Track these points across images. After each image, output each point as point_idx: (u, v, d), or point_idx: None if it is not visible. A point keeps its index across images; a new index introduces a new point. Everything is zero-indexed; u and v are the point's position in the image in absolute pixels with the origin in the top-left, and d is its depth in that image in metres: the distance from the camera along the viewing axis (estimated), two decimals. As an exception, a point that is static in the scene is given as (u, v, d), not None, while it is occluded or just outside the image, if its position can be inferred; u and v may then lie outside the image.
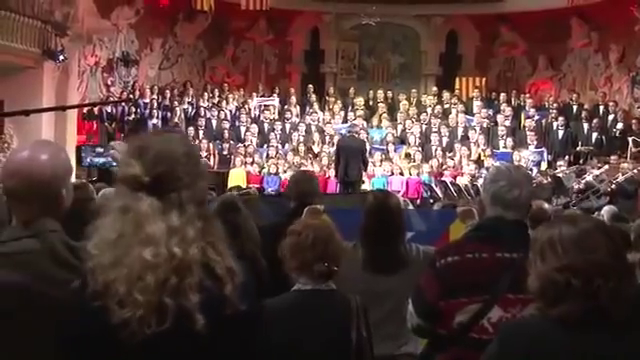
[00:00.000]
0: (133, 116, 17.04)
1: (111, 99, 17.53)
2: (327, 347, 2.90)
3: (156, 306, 1.76)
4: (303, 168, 14.97)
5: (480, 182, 12.63)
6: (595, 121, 16.67)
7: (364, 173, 14.51)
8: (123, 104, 17.15)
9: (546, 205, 5.20)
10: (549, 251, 2.01)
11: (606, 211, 7.47)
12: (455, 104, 18.33)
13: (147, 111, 17.54)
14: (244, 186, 14.17)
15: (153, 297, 1.76)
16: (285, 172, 15.57)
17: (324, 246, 3.01)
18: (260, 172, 15.94)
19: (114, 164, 2.33)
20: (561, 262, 1.96)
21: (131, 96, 17.57)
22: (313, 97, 19.23)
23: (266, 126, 17.87)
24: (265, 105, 18.68)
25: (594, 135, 16.57)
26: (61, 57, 15.26)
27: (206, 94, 18.85)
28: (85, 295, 1.80)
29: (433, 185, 14.88)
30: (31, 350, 1.98)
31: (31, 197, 2.04)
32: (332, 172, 15.47)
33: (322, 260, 2.98)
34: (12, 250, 2.01)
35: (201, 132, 17.16)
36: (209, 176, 14.98)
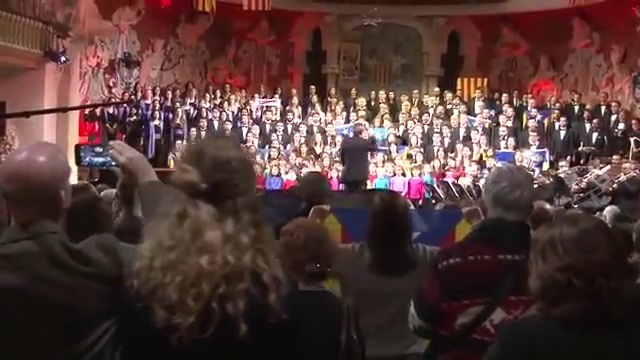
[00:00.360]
0: (134, 117, 17.03)
1: (113, 100, 17.53)
2: (316, 348, 2.89)
3: (204, 312, 1.78)
4: (305, 169, 14.98)
5: (482, 183, 12.60)
6: (595, 121, 16.65)
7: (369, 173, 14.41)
8: (125, 105, 17.15)
9: (548, 206, 5.19)
10: (550, 251, 2.01)
11: (608, 211, 7.46)
12: (457, 105, 18.31)
13: (149, 112, 17.55)
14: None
15: (204, 304, 1.78)
16: (287, 173, 15.57)
17: (316, 247, 3.00)
18: (262, 173, 15.93)
19: (113, 164, 2.33)
20: (562, 262, 1.97)
21: (132, 97, 17.56)
22: (315, 98, 19.22)
23: (268, 127, 17.86)
24: (267, 106, 18.67)
25: (595, 135, 16.55)
26: (63, 58, 15.29)
27: (208, 95, 18.85)
28: (130, 295, 1.83)
29: (435, 186, 14.87)
30: (30, 352, 1.98)
31: (29, 199, 2.04)
32: (334, 173, 15.47)
33: (314, 260, 2.98)
34: (10, 252, 2.01)
35: (203, 133, 17.12)
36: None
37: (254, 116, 18.35)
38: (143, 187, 2.27)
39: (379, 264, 3.59)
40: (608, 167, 13.93)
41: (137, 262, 1.85)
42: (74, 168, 2.31)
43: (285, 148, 16.81)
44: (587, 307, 1.91)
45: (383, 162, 15.68)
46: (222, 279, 1.80)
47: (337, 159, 15.83)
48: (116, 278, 1.98)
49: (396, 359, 3.44)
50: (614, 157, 14.75)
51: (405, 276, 3.49)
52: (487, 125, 17.22)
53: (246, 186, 1.90)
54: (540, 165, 15.82)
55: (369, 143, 13.91)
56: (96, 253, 2.05)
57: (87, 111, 16.70)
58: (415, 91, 19.63)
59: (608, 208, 7.86)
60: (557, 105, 18.06)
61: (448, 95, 18.90)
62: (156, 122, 17.39)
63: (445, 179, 15.12)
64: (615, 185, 12.86)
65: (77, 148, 2.42)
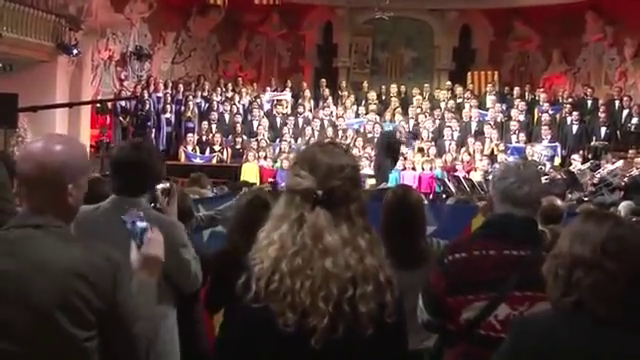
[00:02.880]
0: (140, 112, 17.03)
1: (123, 94, 17.59)
2: None
3: (335, 314, 1.87)
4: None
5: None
6: (603, 115, 16.55)
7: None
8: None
9: (559, 201, 5.14)
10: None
11: (623, 206, 7.42)
12: (468, 99, 18.26)
13: (160, 105, 17.59)
14: (257, 180, 14.24)
15: (334, 306, 1.87)
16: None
17: None
18: (273, 166, 15.94)
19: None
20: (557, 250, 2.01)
21: (145, 92, 17.59)
22: (326, 91, 19.21)
23: (279, 120, 17.88)
24: (278, 99, 18.69)
25: (606, 130, 16.44)
26: (75, 51, 15.35)
27: (219, 88, 18.88)
28: (248, 298, 1.91)
29: (446, 180, 14.83)
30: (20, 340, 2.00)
31: (39, 182, 2.06)
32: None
33: None
34: (13, 237, 2.06)
35: (214, 126, 17.19)
36: (222, 170, 15.11)
37: (265, 109, 18.36)
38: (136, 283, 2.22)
39: (393, 258, 3.57)
40: (621, 162, 13.84)
41: (257, 265, 1.93)
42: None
43: (296, 142, 16.81)
44: (573, 299, 1.93)
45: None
46: (349, 281, 1.89)
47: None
48: (107, 287, 2.00)
49: (409, 353, 3.44)
50: (630, 152, 14.64)
51: (419, 270, 3.48)
52: (499, 119, 17.16)
53: (358, 193, 1.99)
54: (552, 159, 15.75)
55: (384, 136, 13.96)
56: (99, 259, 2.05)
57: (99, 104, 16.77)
58: (426, 85, 19.60)
59: (623, 203, 7.82)
60: (569, 99, 17.97)
61: (459, 89, 18.83)
62: (167, 115, 17.45)
63: (456, 173, 15.08)
64: (627, 180, 12.78)
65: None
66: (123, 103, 17.12)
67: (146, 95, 17.35)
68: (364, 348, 1.90)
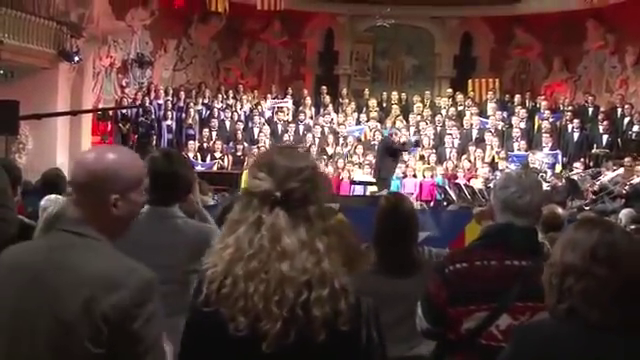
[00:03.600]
0: (142, 119, 17.04)
1: (125, 101, 17.60)
2: None
3: (289, 319, 1.84)
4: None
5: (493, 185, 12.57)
6: (605, 123, 16.55)
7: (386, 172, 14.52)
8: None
9: (560, 210, 5.14)
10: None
11: (624, 214, 7.41)
12: (469, 106, 18.27)
13: (161, 112, 17.61)
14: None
15: (288, 310, 1.84)
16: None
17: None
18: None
19: None
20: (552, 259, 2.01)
21: (146, 99, 17.62)
22: (327, 99, 19.24)
23: (280, 128, 17.90)
24: (279, 107, 18.71)
25: (607, 138, 16.44)
26: (76, 58, 15.36)
27: (220, 95, 18.90)
28: (198, 301, 1.91)
29: (447, 187, 14.84)
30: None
31: (85, 189, 2.05)
32: (345, 174, 15.58)
33: None
34: (51, 241, 2.08)
35: (214, 133, 17.20)
36: (223, 177, 15.11)
37: (266, 116, 18.38)
38: None
39: (384, 266, 3.58)
40: (621, 169, 13.83)
41: (210, 268, 1.91)
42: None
43: (297, 149, 16.77)
44: (567, 307, 1.93)
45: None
46: (304, 285, 1.86)
47: (349, 160, 16.03)
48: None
49: None
50: (627, 159, 14.64)
51: (410, 278, 3.49)
52: (500, 127, 17.17)
53: (317, 195, 1.96)
54: (552, 167, 15.75)
55: (382, 143, 13.94)
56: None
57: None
58: (427, 92, 19.62)
59: (624, 211, 7.80)
60: (570, 107, 17.98)
61: (460, 96, 18.86)
62: (168, 122, 17.47)
63: (457, 181, 15.08)
64: (628, 188, 12.77)
65: None
66: (123, 110, 17.13)
67: (147, 102, 17.38)
68: (316, 354, 1.86)
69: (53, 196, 4.77)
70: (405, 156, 16.12)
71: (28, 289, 1.97)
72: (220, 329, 1.86)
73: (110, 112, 16.91)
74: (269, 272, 1.86)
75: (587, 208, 12.01)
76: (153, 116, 17.35)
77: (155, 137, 16.96)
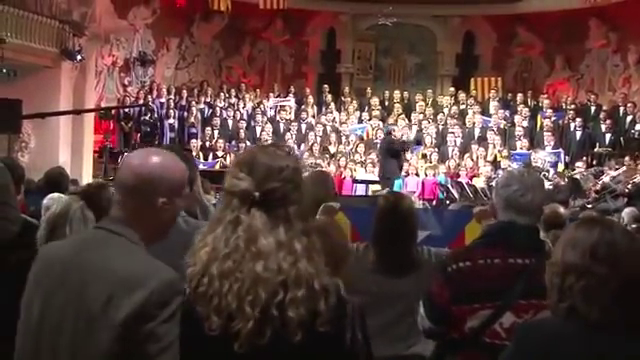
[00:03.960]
0: (147, 117, 17.05)
1: (127, 99, 17.61)
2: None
3: (263, 319, 1.83)
4: (319, 169, 15.00)
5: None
6: (608, 122, 16.55)
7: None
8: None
9: (561, 209, 5.15)
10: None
11: (627, 213, 7.37)
12: (471, 105, 18.26)
13: (163, 111, 17.63)
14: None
15: (261, 310, 1.83)
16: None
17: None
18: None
19: None
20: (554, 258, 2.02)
21: (149, 97, 17.62)
22: (329, 97, 19.24)
23: (282, 126, 17.91)
24: (281, 105, 18.71)
25: (610, 136, 16.43)
26: (79, 57, 15.36)
27: (222, 94, 18.91)
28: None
29: (449, 186, 14.83)
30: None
31: (131, 191, 2.04)
32: (348, 172, 15.59)
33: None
34: (85, 236, 2.13)
35: (217, 132, 17.22)
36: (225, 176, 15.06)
37: (268, 115, 18.38)
38: None
39: (383, 265, 3.58)
40: (623, 168, 13.82)
41: (190, 267, 1.91)
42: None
43: (299, 148, 16.83)
44: (568, 306, 1.94)
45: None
46: (280, 285, 1.85)
47: (351, 158, 16.04)
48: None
49: (396, 359, 3.44)
50: (630, 158, 14.63)
51: (409, 277, 3.49)
52: (502, 125, 17.16)
53: (298, 195, 1.95)
54: (555, 166, 15.73)
55: (384, 143, 13.92)
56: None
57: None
58: (429, 91, 19.61)
59: (627, 210, 7.76)
60: (572, 106, 17.95)
61: (462, 95, 18.85)
62: (170, 121, 17.49)
63: (459, 179, 15.08)
64: (630, 186, 12.76)
65: None
66: (126, 109, 17.15)
67: (150, 101, 17.39)
68: (294, 355, 1.85)
69: (56, 195, 4.77)
70: (407, 155, 16.14)
71: (57, 285, 1.99)
72: (196, 328, 1.86)
73: (113, 111, 16.92)
74: (243, 272, 1.85)
75: (589, 207, 11.99)
76: (155, 115, 17.36)
77: (158, 136, 16.98)
